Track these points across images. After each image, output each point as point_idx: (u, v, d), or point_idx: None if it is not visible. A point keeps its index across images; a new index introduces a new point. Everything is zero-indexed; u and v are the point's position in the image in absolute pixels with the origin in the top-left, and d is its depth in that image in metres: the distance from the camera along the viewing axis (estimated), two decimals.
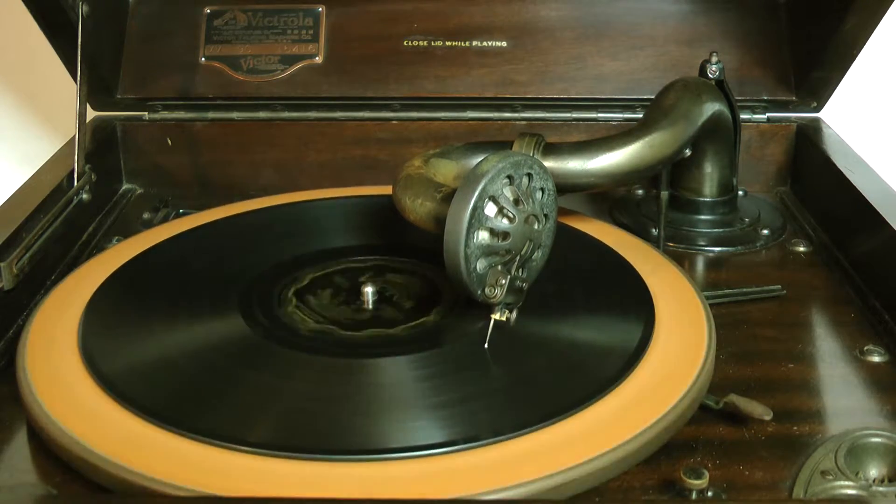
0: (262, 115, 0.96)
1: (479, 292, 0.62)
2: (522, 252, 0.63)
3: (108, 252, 0.77)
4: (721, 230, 0.85)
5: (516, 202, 0.62)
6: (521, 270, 0.64)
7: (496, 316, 0.62)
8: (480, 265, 0.61)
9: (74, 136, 0.83)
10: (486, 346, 0.62)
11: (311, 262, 0.75)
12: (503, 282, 0.62)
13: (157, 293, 0.70)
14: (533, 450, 0.53)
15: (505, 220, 0.61)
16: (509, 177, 0.61)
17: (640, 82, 0.95)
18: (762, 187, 0.95)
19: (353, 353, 0.63)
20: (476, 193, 0.59)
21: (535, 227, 0.63)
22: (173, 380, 0.60)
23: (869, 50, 0.89)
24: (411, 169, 0.72)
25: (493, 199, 0.61)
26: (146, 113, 0.96)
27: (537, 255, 0.65)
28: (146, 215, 0.88)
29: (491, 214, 0.61)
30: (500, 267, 0.62)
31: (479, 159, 0.63)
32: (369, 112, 0.96)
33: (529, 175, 0.63)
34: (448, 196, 0.63)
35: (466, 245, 0.59)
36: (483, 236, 0.61)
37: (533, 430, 0.54)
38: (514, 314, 0.64)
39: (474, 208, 0.59)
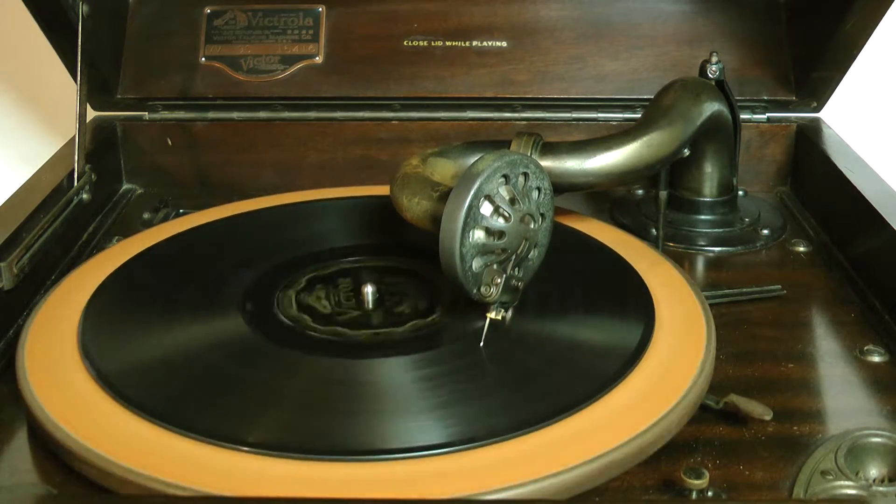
0: (262, 115, 0.96)
1: (475, 291, 0.61)
2: (518, 251, 0.63)
3: (108, 252, 0.77)
4: (721, 230, 0.85)
5: (512, 201, 0.62)
6: (517, 269, 0.64)
7: (491, 315, 0.62)
8: (476, 264, 0.61)
9: (74, 136, 0.83)
10: (481, 345, 0.62)
11: (311, 262, 0.75)
12: (499, 281, 0.62)
13: (157, 293, 0.70)
14: (532, 450, 0.53)
15: (500, 219, 0.61)
16: (505, 176, 0.61)
17: (640, 82, 0.95)
18: (762, 187, 0.95)
19: (353, 353, 0.63)
20: (472, 192, 0.59)
21: (532, 226, 0.63)
22: (173, 379, 0.60)
23: (869, 50, 0.89)
24: (409, 168, 0.71)
25: (489, 198, 0.61)
26: (146, 113, 0.96)
27: (533, 254, 0.65)
28: (146, 215, 0.88)
29: (486, 213, 0.61)
30: (495, 266, 0.62)
31: (476, 158, 0.63)
32: (369, 112, 0.96)
33: (526, 174, 0.63)
34: (444, 195, 0.63)
35: (462, 244, 0.59)
36: (479, 235, 0.61)
37: (533, 430, 0.54)
38: (510, 313, 0.64)
39: (470, 207, 0.59)
